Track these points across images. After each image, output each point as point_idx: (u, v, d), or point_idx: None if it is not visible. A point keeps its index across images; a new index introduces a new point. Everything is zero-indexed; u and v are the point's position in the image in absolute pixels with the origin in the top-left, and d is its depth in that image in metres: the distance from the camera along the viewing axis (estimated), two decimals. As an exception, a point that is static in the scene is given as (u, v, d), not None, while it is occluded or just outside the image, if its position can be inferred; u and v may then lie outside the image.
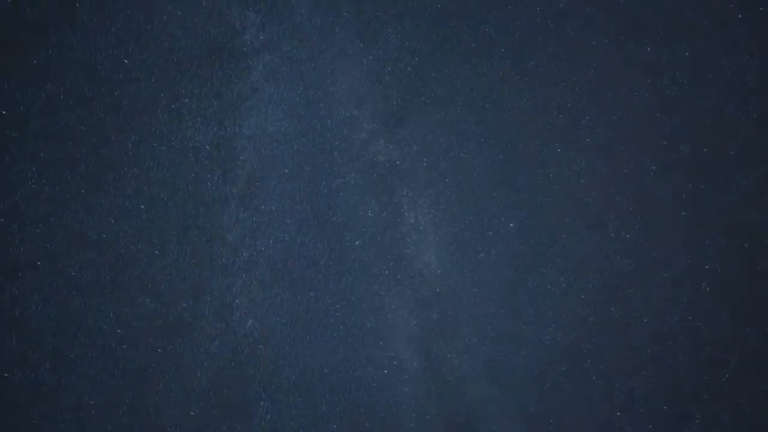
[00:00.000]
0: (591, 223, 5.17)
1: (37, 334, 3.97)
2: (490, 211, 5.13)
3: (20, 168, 3.88)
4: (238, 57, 4.43)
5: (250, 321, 4.79)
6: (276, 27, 4.42)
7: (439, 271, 5.12)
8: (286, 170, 4.72)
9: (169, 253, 4.36)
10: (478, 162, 5.06)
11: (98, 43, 3.96)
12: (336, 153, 4.84)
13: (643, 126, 5.07)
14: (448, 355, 5.25)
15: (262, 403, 4.72)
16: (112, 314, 4.17)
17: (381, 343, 5.04)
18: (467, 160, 5.04)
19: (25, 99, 3.76)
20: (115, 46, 3.98)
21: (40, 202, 3.96)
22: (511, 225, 5.14)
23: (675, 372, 5.10)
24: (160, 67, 4.12)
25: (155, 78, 4.18)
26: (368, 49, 4.71)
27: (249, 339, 4.70)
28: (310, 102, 4.68)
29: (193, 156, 4.43)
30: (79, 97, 3.93)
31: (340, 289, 4.96)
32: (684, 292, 5.06)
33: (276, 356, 4.79)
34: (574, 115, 5.07)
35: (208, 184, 4.52)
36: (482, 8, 4.71)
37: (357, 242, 4.87)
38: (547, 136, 5.12)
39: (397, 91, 4.88)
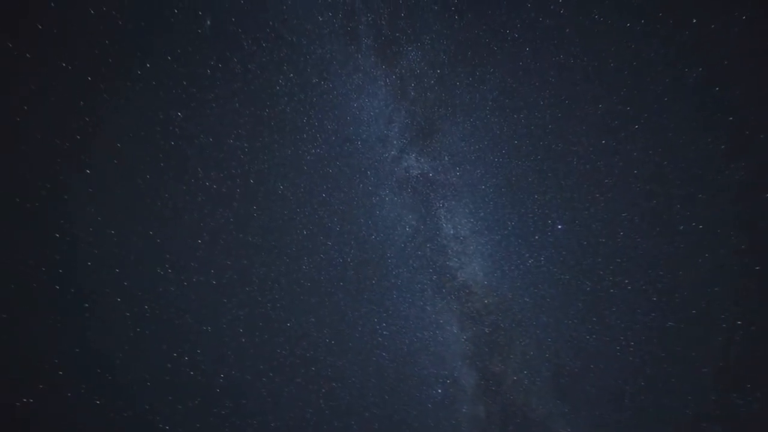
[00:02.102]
0: (654, 216, 4.69)
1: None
2: (534, 215, 4.88)
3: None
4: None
5: (304, 343, 4.93)
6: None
7: (486, 282, 4.92)
8: (323, 195, 4.93)
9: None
10: (514, 165, 4.88)
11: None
12: (369, 172, 4.96)
13: (705, 106, 4.58)
14: (507, 371, 4.94)
15: (316, 424, 4.76)
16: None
17: (432, 360, 4.89)
18: (503, 164, 4.89)
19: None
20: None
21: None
22: (560, 227, 4.82)
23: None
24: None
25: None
26: (391, 69, 4.87)
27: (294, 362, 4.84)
28: (340, 127, 4.90)
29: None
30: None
31: (386, 307, 4.95)
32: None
33: (326, 377, 4.85)
34: (616, 103, 4.73)
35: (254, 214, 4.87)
36: (501, 11, 4.67)
37: (398, 258, 4.87)
38: (590, 129, 4.82)
39: (423, 105, 4.95)
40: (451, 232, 4.88)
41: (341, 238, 4.97)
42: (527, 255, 4.76)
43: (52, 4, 4.11)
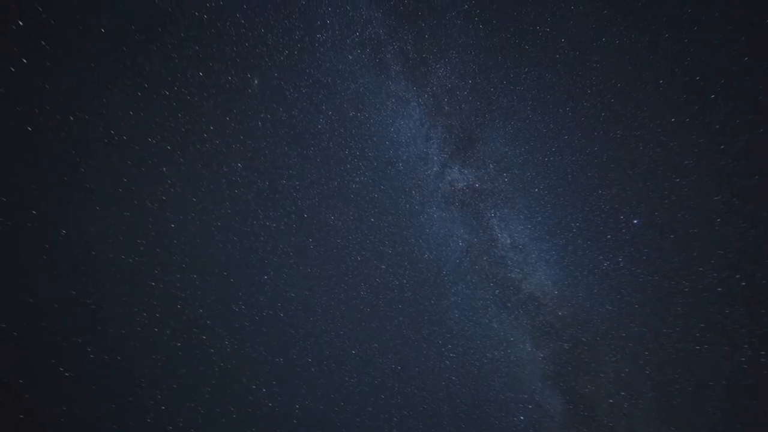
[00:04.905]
0: (758, 195, 3.93)
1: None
2: (602, 212, 4.39)
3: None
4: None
5: (370, 370, 4.89)
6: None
7: (556, 292, 4.46)
8: (372, 219, 5.03)
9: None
10: (568, 161, 4.51)
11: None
12: (414, 191, 4.97)
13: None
14: (599, 393, 4.32)
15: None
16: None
17: (508, 383, 4.49)
18: (554, 162, 4.55)
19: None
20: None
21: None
22: (635, 222, 4.26)
23: None
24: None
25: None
26: (422, 89, 4.96)
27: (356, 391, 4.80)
28: (380, 152, 5.05)
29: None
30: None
31: (448, 327, 4.74)
32: None
33: (396, 405, 4.71)
34: (681, 75, 4.19)
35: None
36: (527, 10, 4.55)
37: (454, 275, 4.69)
38: (653, 110, 4.31)
39: (459, 117, 4.90)
40: (508, 241, 4.59)
41: (395, 260, 4.97)
42: (601, 257, 4.26)
43: (139, 94, 5.03)
